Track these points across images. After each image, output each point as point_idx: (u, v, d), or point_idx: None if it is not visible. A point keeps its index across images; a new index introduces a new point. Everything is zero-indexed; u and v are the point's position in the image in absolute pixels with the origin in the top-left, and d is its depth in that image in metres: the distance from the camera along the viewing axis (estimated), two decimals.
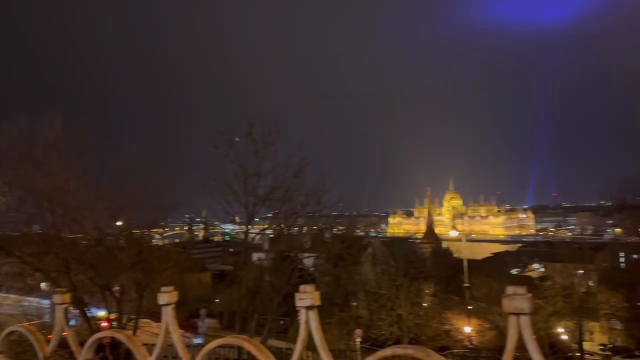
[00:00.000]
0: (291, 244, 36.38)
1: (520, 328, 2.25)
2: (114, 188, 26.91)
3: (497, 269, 59.61)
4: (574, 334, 45.82)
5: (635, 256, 43.73)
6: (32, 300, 32.64)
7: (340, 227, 47.75)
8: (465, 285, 35.23)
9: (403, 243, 57.09)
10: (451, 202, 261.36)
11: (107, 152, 30.51)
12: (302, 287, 2.85)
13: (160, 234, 55.37)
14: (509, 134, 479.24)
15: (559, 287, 42.70)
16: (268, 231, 35.96)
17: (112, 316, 26.16)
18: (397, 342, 38.14)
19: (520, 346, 2.40)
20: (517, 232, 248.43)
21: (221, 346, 3.02)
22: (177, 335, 3.04)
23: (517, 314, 2.24)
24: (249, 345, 2.72)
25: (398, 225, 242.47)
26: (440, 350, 39.23)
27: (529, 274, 60.37)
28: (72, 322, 26.11)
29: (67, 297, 3.51)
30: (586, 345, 48.78)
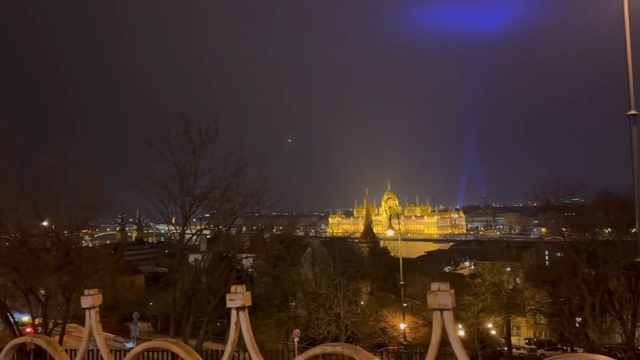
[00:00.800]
0: (229, 245, 35.90)
1: (443, 323, 2.32)
2: (39, 186, 25.47)
3: (430, 267, 61.71)
4: (502, 328, 48.14)
5: (558, 254, 46.27)
6: None
7: (280, 227, 47.67)
8: (400, 283, 36.03)
9: (342, 242, 57.52)
10: (388, 203, 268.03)
11: (32, 149, 28.81)
12: (232, 288, 2.83)
13: (90, 235, 53.08)
14: (442, 138, 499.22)
15: (488, 284, 44.45)
16: (206, 232, 35.33)
17: (37, 321, 24.95)
18: (335, 340, 38.49)
19: (447, 342, 2.48)
20: (449, 231, 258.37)
21: (152, 350, 2.94)
22: (101, 340, 2.92)
23: (441, 310, 2.31)
24: (177, 348, 2.66)
25: (337, 225, 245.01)
26: (377, 347, 40.01)
27: (461, 271, 62.56)
28: None
29: None
30: (514, 340, 51.37)
